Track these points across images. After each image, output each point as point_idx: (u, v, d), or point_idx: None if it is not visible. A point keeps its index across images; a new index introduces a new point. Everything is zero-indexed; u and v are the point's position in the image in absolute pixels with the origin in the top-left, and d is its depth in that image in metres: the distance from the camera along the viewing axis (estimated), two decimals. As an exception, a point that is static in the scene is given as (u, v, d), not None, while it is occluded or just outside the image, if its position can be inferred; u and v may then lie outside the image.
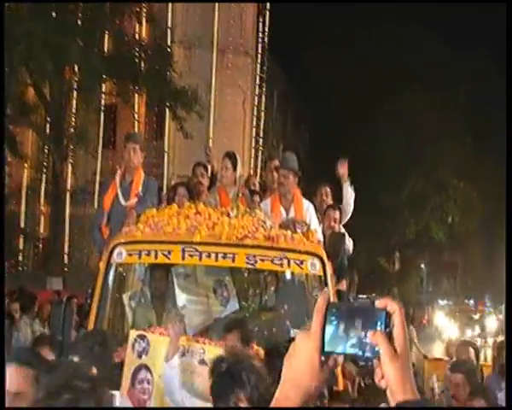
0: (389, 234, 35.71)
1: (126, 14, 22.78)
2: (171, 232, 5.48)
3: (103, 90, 24.14)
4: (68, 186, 25.82)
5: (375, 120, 32.32)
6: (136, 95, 24.62)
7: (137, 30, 25.32)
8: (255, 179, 7.79)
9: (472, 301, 50.72)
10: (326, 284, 5.36)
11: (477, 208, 36.12)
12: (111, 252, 5.47)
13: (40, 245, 28.43)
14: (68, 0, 21.08)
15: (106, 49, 23.49)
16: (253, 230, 5.46)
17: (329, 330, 1.45)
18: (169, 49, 24.72)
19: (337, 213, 7.20)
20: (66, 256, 25.79)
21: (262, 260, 5.36)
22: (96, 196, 26.62)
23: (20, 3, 19.18)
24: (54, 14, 20.30)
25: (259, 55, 30.24)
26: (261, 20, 30.24)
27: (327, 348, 1.46)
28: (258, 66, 30.18)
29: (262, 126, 30.41)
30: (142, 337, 5.02)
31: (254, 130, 29.93)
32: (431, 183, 34.67)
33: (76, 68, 21.66)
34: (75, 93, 23.37)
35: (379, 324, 1.44)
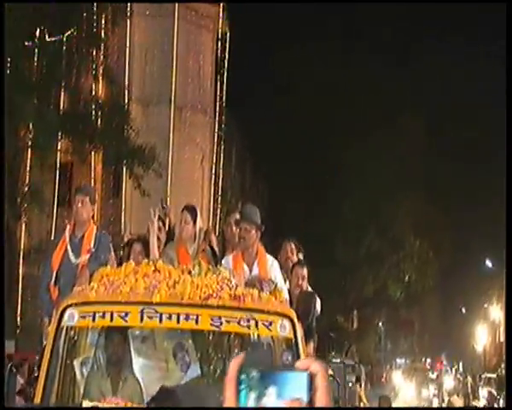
0: (347, 292, 35.57)
1: (82, 70, 22.54)
2: (128, 292, 4.99)
3: (59, 148, 23.62)
4: (22, 246, 25.02)
5: (334, 174, 32.46)
6: (93, 153, 24.21)
7: (94, 87, 24.92)
8: (213, 235, 7.34)
9: (429, 360, 50.54)
10: (296, 347, 4.93)
11: (433, 266, 36.27)
12: (61, 314, 4.95)
13: (-8, 306, 27.47)
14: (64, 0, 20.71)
15: (62, 107, 23.09)
16: (218, 289, 5.01)
17: (239, 401, 1.27)
18: (126, 107, 24.51)
19: (304, 270, 6.80)
20: (18, 318, 24.88)
21: (228, 322, 4.91)
22: (50, 256, 26.03)
23: None
24: (8, 70, 19.87)
25: (217, 114, 30.13)
26: (219, 78, 30.27)
27: None
28: (217, 124, 30.05)
29: (220, 184, 30.20)
30: (96, 410, 4.51)
31: (213, 188, 29.65)
32: (387, 240, 34.75)
33: (31, 126, 21.12)
34: (29, 151, 22.74)
35: (298, 389, 1.25)
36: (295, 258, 7.36)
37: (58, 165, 24.98)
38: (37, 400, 4.72)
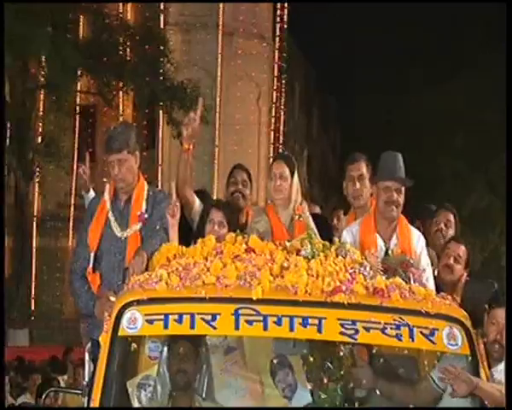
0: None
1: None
2: (214, 284, 4.27)
3: (78, 87, 23.97)
4: (35, 212, 25.50)
5: (425, 113, 31.81)
6: (121, 93, 24.18)
7: (121, 10, 24.95)
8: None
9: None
10: (476, 370, 4.13)
11: None
12: (118, 317, 4.28)
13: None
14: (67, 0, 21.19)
15: (81, 35, 23.26)
16: (348, 278, 4.24)
17: None
18: (162, 34, 24.39)
19: (463, 249, 5.79)
20: (32, 301, 25.22)
21: (366, 330, 4.13)
22: (70, 224, 26.12)
23: None
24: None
25: (277, 39, 29.75)
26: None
27: None
28: (276, 52, 29.68)
29: (282, 129, 29.87)
30: None
31: (272, 133, 29.49)
32: (499, 196, 34.16)
33: (43, 60, 21.18)
34: (43, 92, 22.95)
35: None
36: (451, 232, 6.40)
37: (78, 109, 25.12)
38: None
